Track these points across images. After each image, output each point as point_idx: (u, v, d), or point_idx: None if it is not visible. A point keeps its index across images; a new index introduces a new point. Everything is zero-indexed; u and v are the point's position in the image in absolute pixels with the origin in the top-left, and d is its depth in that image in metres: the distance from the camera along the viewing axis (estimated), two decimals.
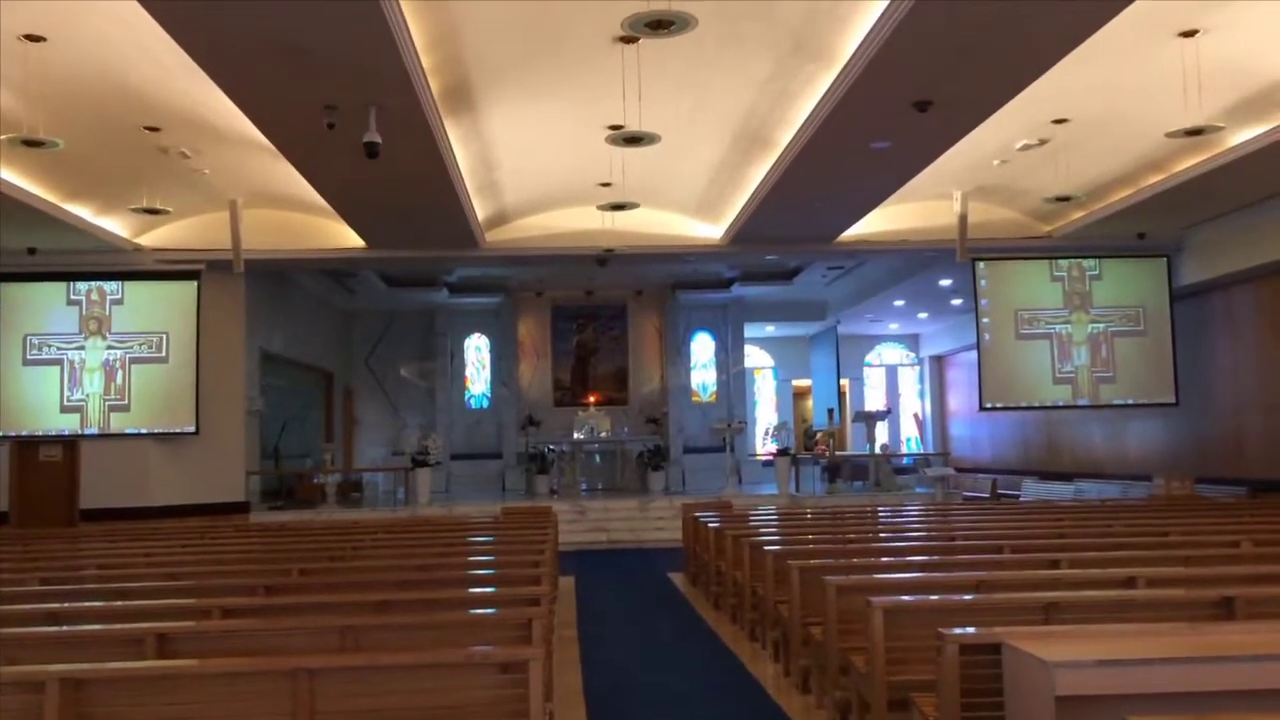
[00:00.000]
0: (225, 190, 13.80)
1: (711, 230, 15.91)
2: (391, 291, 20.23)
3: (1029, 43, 8.27)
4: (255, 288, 16.74)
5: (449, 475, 21.30)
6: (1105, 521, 9.41)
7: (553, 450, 20.15)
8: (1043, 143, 12.27)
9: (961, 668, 3.71)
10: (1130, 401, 15.73)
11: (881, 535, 9.28)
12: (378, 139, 9.22)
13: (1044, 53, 8.50)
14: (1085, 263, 15.99)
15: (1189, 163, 12.38)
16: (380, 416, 22.43)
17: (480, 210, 14.40)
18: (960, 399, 24.13)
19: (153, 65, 9.51)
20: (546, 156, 12.81)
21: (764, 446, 22.92)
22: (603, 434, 20.66)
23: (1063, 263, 15.97)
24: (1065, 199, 13.52)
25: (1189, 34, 9.18)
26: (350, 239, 15.21)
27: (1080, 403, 15.90)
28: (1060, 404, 16.01)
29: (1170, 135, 10.19)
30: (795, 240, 15.73)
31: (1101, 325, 15.87)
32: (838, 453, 20.76)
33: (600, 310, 22.15)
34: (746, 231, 14.89)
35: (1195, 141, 11.19)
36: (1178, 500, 13.16)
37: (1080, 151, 12.47)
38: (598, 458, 20.93)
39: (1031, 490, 18.39)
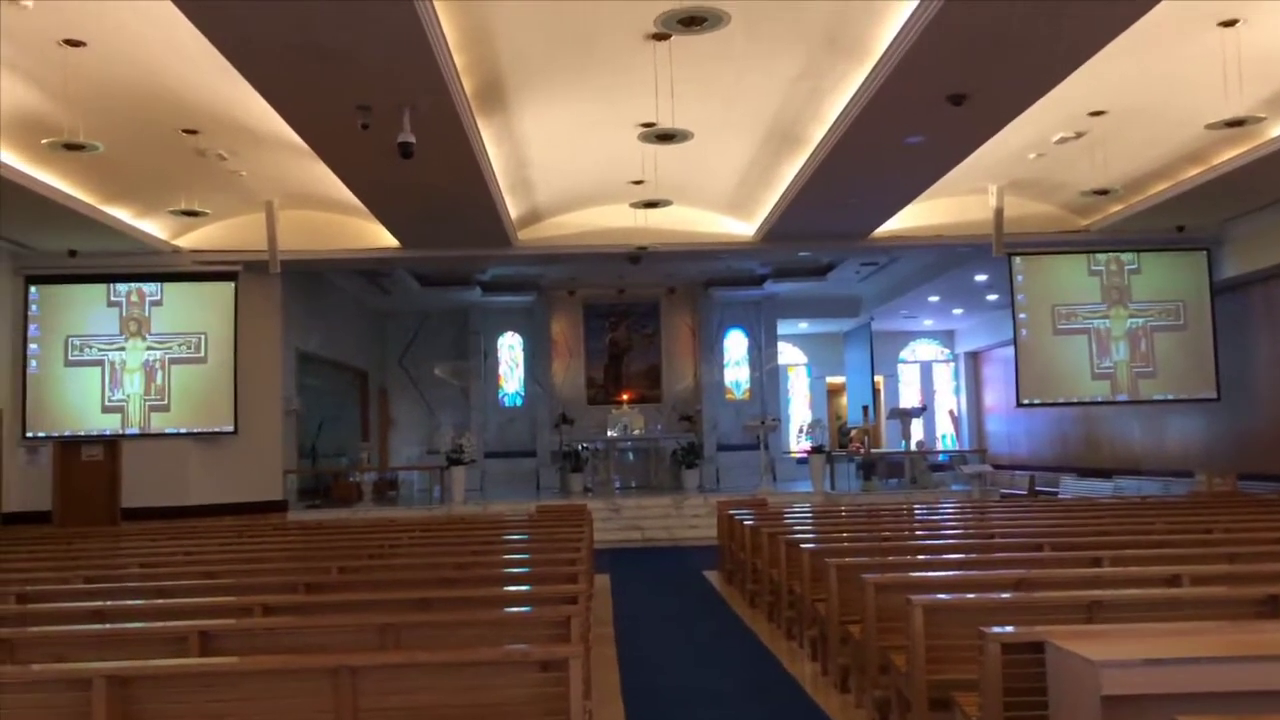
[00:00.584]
0: (261, 192, 13.87)
1: (744, 227, 15.91)
2: (425, 291, 20.34)
3: (1066, 35, 8.18)
4: (291, 288, 16.85)
5: (483, 473, 21.42)
6: (1146, 519, 9.32)
7: (586, 448, 20.23)
8: (1080, 135, 12.15)
9: (1004, 666, 3.68)
10: (1170, 397, 15.57)
11: (918, 533, 9.21)
12: (411, 139, 9.25)
13: (1081, 44, 8.40)
14: (1124, 256, 15.83)
15: (1229, 154, 12.23)
16: (415, 415, 22.56)
17: (513, 209, 14.44)
18: (996, 395, 23.98)
19: (189, 67, 9.60)
20: (578, 154, 12.84)
21: (798, 444, 22.94)
22: (636, 432, 20.74)
23: (1100, 257, 15.82)
24: (1103, 192, 13.37)
25: (1229, 24, 9.06)
26: (384, 239, 15.27)
27: (1119, 398, 15.74)
28: (1099, 400, 15.86)
29: (1210, 127, 10.06)
30: (828, 236, 15.66)
31: (1140, 320, 15.69)
32: (872, 450, 20.65)
33: (633, 308, 22.20)
34: (779, 228, 14.87)
35: (1235, 133, 11.04)
36: (1220, 497, 13.00)
37: (1118, 144, 12.34)
38: (631, 455, 21.02)
39: (1070, 487, 18.27)
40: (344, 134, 9.89)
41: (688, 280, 21.69)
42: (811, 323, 23.90)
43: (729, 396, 22.45)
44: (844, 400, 25.03)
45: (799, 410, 25.26)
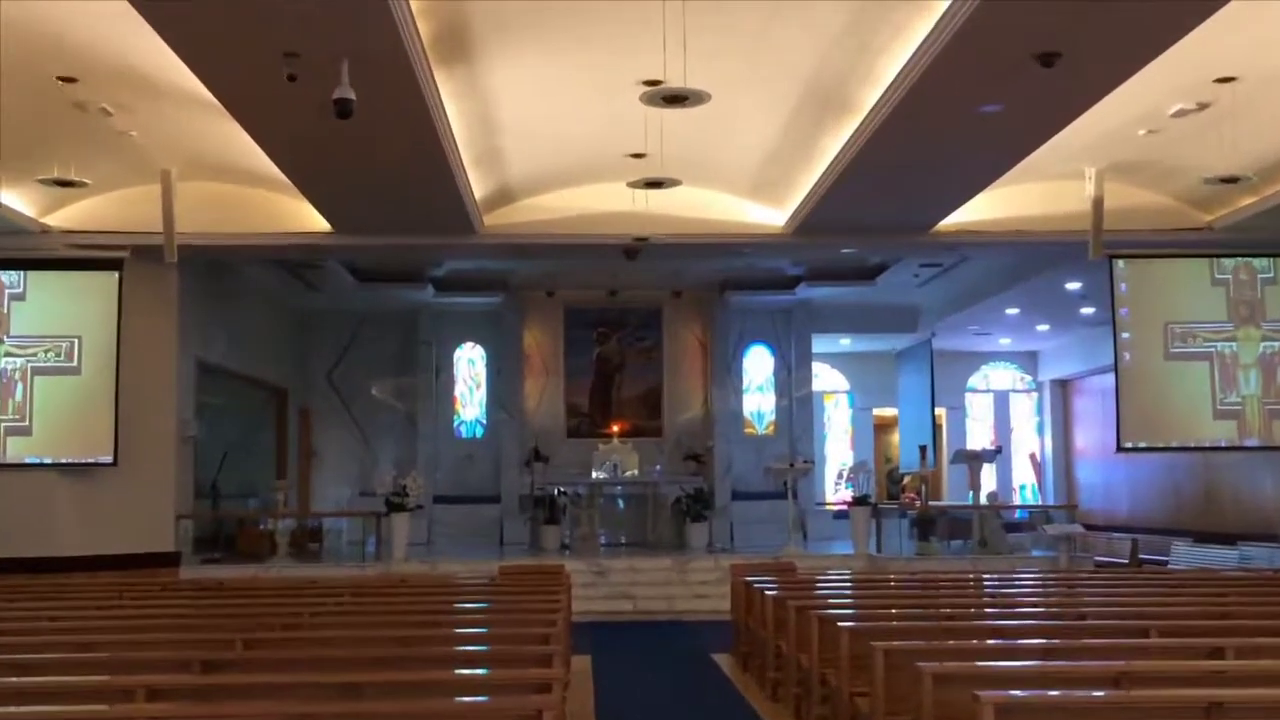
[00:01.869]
0: (157, 158, 13.84)
1: (772, 215, 15.98)
2: (363, 288, 20.37)
3: None
4: (192, 281, 16.86)
5: (432, 523, 21.42)
6: None
7: (565, 493, 20.20)
8: (1203, 107, 12.16)
9: None
10: None
11: (988, 610, 9.25)
12: (351, 95, 9.27)
13: None
14: (1256, 263, 15.87)
15: None
16: (345, 446, 22.58)
17: (477, 187, 14.49)
18: (1091, 436, 23.94)
19: None
20: (563, 119, 12.88)
21: (836, 493, 22.99)
22: (629, 473, 20.78)
23: (1227, 262, 15.86)
24: (1231, 180, 13.34)
25: None
26: (313, 221, 15.33)
27: (1248, 443, 15.75)
28: (1222, 444, 15.89)
29: None
30: (880, 229, 15.71)
31: (1277, 344, 15.76)
32: (931, 503, 20.63)
33: (628, 315, 22.24)
34: (817, 218, 14.90)
35: None
36: None
37: (1251, 119, 12.28)
38: (622, 504, 21.04)
39: (1184, 555, 18.25)
40: (265, 87, 9.91)
41: (698, 281, 21.70)
42: (856, 339, 23.87)
43: (748, 431, 22.43)
44: (895, 438, 24.98)
45: (838, 450, 25.22)
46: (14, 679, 5.65)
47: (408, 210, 14.42)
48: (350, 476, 22.31)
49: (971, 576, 12.92)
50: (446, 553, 19.11)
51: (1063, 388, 25.33)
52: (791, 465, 19.72)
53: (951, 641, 6.97)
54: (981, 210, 15.39)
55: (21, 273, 15.40)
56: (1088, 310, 20.27)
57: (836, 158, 12.96)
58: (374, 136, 11.36)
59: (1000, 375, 25.97)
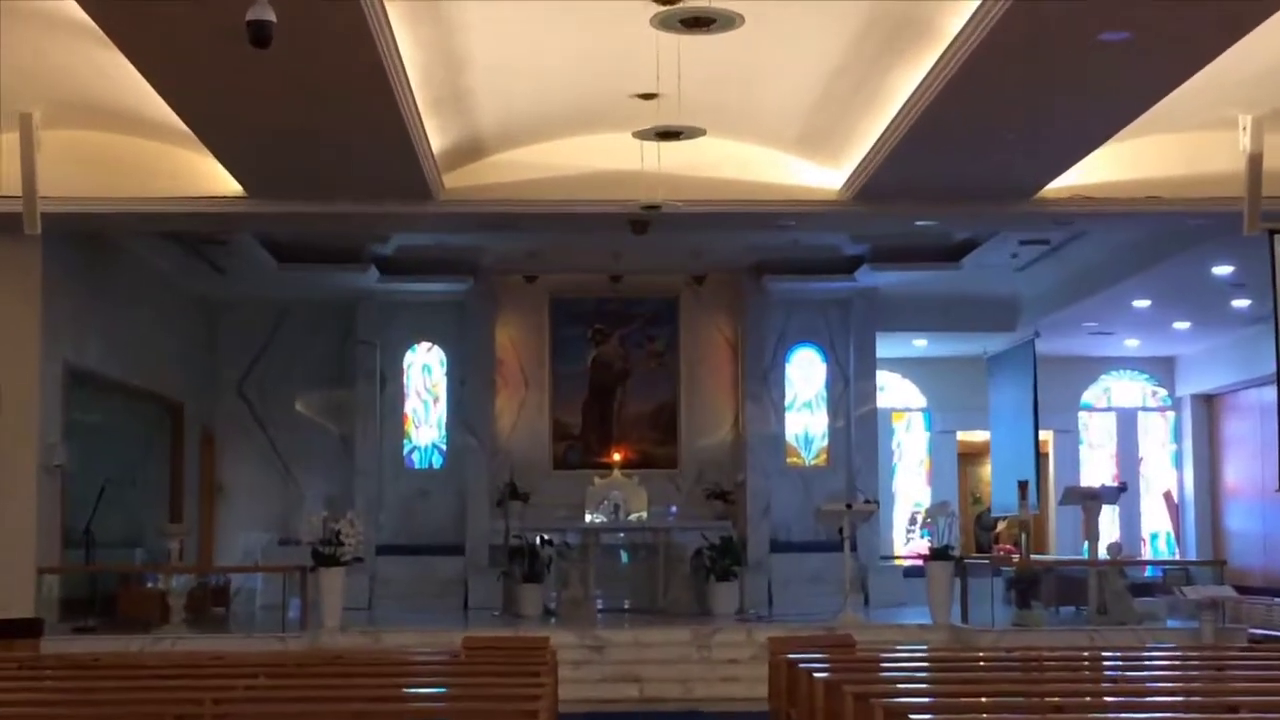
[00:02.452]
0: (13, 98, 13.50)
1: (825, 176, 16.01)
2: (285, 271, 20.45)
3: None
4: (61, 262, 16.87)
5: (374, 581, 21.42)
6: None
7: (550, 543, 20.13)
8: None
9: None
10: None
11: (1109, 700, 9.18)
12: (270, 16, 9.11)
13: None
14: None
15: None
16: (261, 479, 22.59)
17: (436, 138, 14.50)
18: (1245, 469, 23.86)
19: None
20: (548, 49, 12.90)
21: (908, 543, 23.13)
22: (634, 516, 20.88)
23: None
24: None
25: None
26: (220, 183, 15.32)
27: None
28: None
29: None
30: (966, 196, 15.80)
31: None
32: (1033, 556, 20.63)
33: (634, 308, 22.43)
34: (884, 179, 14.95)
35: None
36: None
37: None
38: (625, 556, 21.09)
39: None
40: (158, 7, 9.91)
41: (727, 263, 21.78)
42: (935, 339, 24.01)
43: (793, 460, 22.54)
44: (986, 471, 24.90)
45: (910, 486, 25.25)
46: None
47: (345, 168, 14.46)
48: (267, 518, 22.21)
49: (1087, 654, 12.88)
50: (393, 620, 19.12)
51: (1208, 405, 25.27)
52: (849, 506, 19.51)
53: None
54: (1101, 170, 15.36)
55: None
56: (1241, 303, 20.28)
57: (910, 100, 12.89)
58: (300, 71, 11.33)
59: (1125, 388, 25.98)
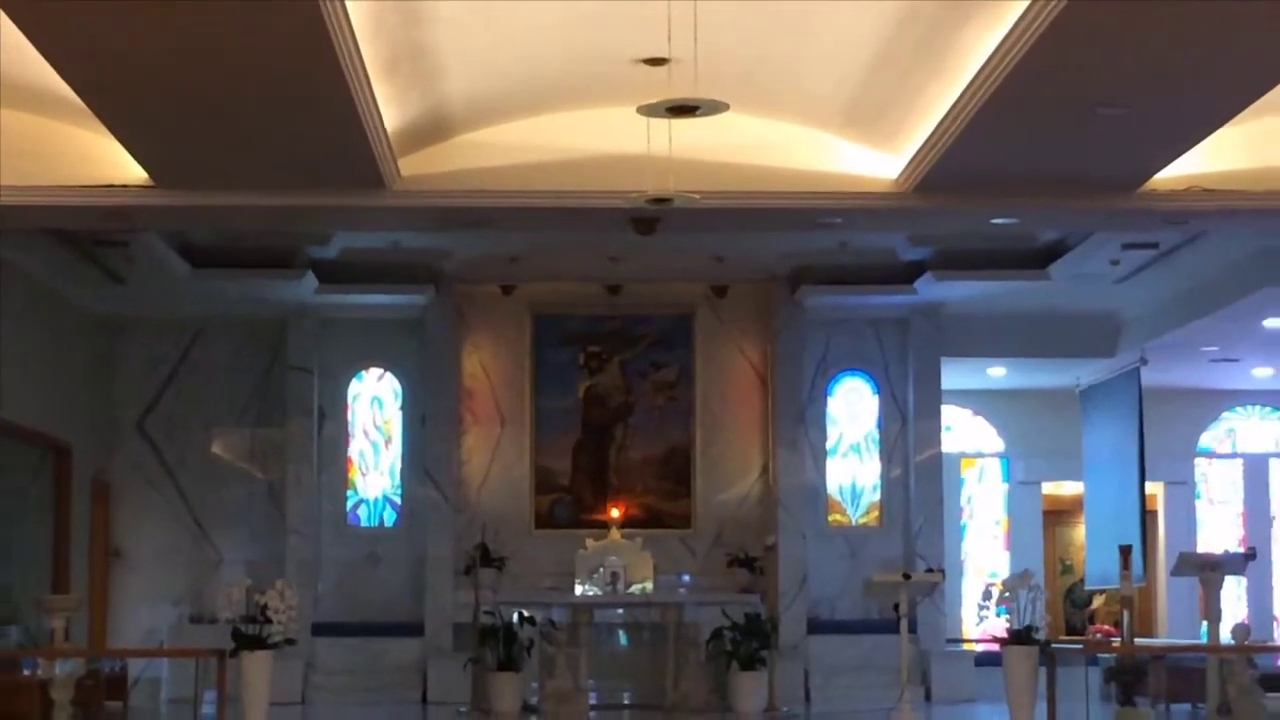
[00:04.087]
0: None
1: (878, 163, 16.12)
2: (200, 280, 20.59)
3: None
4: None
5: (310, 669, 21.48)
6: None
7: (532, 621, 20.15)
8: None
9: None
10: None
11: None
12: None
13: None
14: None
15: None
16: (168, 540, 22.65)
17: (391, 113, 14.45)
18: None
19: None
20: (532, 4, 12.89)
21: (980, 623, 22.59)
22: (638, 588, 20.89)
23: None
24: None
25: None
26: (120, 168, 15.37)
27: None
28: None
29: None
30: (1055, 187, 15.90)
31: None
32: (1138, 640, 20.67)
33: (638, 326, 22.62)
34: (953, 167, 14.98)
35: None
36: None
37: None
38: (626, 639, 21.21)
39: None
40: None
41: (755, 270, 21.98)
42: (1015, 367, 24.16)
43: (836, 519, 22.70)
44: (1079, 533, 24.94)
45: (984, 551, 25.42)
46: None
47: (274, 150, 14.57)
48: (176, 589, 22.37)
49: None
50: (336, 717, 19.40)
51: None
52: (907, 577, 19.21)
53: None
54: (1226, 156, 15.34)
55: None
56: None
57: (989, 65, 12.76)
58: (220, 29, 11.35)
59: (1254, 429, 26.02)
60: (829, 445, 22.93)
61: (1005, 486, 25.84)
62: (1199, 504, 25.72)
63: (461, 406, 22.48)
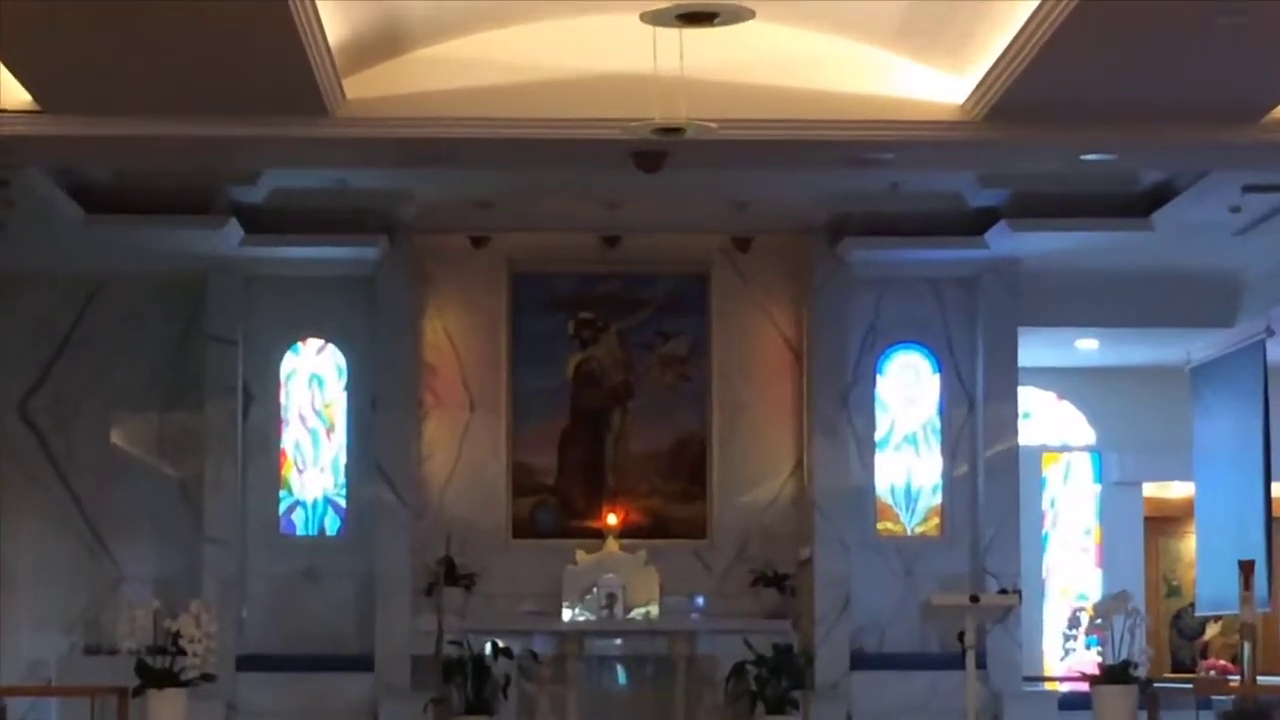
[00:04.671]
0: None
1: (940, 85, 15.86)
2: (96, 228, 19.96)
3: None
4: None
5: (232, 709, 20.96)
6: None
7: (508, 653, 20.24)
8: None
9: None
10: None
11: None
12: None
13: None
14: None
15: None
16: (56, 550, 22.05)
17: (335, 22, 14.14)
18: None
19: None
20: None
21: (1065, 656, 22.15)
22: (640, 612, 20.70)
23: None
24: None
25: None
26: (2, 90, 15.07)
27: None
28: None
29: None
30: (1159, 116, 15.52)
31: None
32: (1262, 679, 20.03)
33: (641, 286, 22.28)
34: (1032, 90, 14.57)
35: None
36: None
37: None
38: (623, 675, 21.24)
39: None
40: None
41: (786, 218, 21.50)
42: (1110, 339, 23.86)
43: (887, 527, 22.19)
44: (1189, 545, 24.75)
45: (1069, 568, 25.37)
46: None
47: (189, 68, 14.12)
48: (66, 612, 21.88)
49: None
50: None
51: None
52: (975, 599, 18.75)
53: None
54: None
55: None
56: None
57: None
58: None
59: None
60: (878, 436, 22.22)
61: (1097, 488, 25.59)
62: None
63: (421, 387, 21.93)
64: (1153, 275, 21.87)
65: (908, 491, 22.20)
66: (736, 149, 16.17)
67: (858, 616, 21.29)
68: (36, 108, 15.19)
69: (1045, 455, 25.31)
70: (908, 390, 22.33)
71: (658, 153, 15.51)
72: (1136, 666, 18.11)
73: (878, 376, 22.23)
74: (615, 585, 20.36)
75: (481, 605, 20.95)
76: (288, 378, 22.27)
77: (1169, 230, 19.95)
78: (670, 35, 13.24)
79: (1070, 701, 20.96)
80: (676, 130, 14.40)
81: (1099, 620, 18.93)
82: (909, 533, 22.22)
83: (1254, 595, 20.33)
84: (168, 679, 17.32)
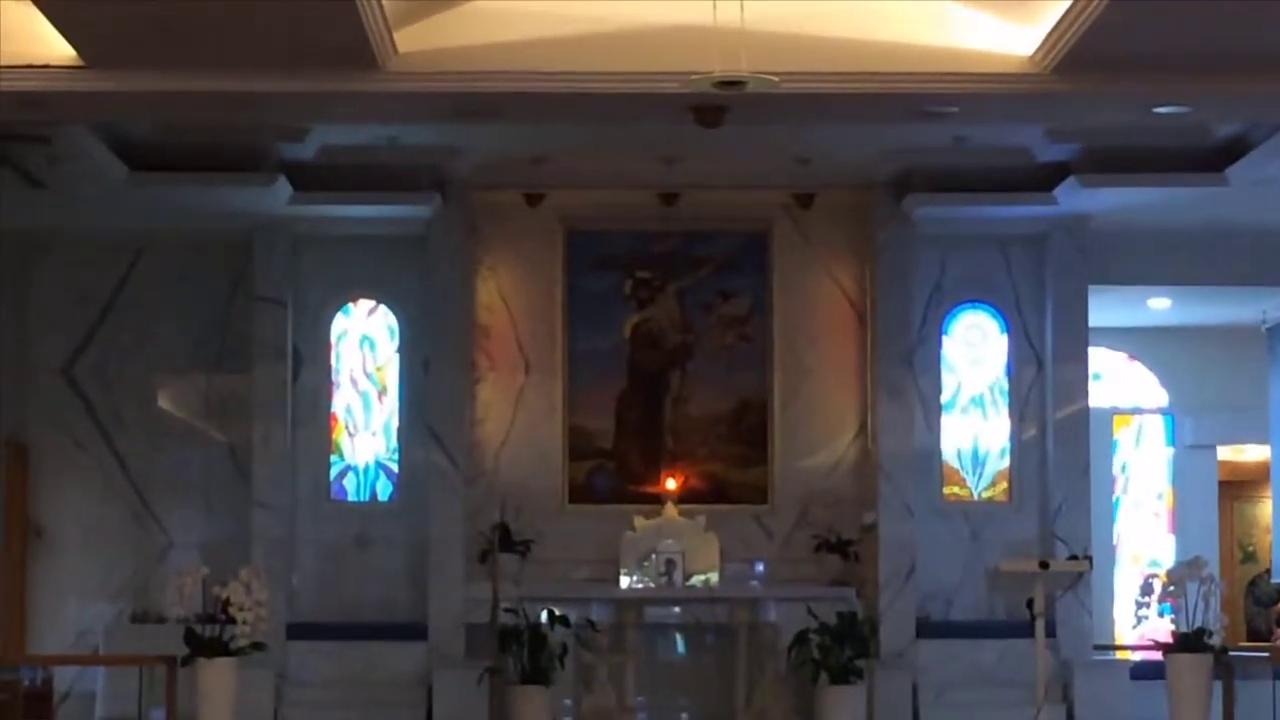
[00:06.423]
0: None
1: (1007, 35, 15.76)
2: (141, 187, 20.00)
3: None
4: None
5: (284, 680, 20.96)
6: None
7: (565, 621, 20.26)
8: None
9: None
10: None
11: None
12: None
13: None
14: None
15: None
16: (103, 517, 22.15)
17: None
18: None
19: None
20: None
21: (1137, 624, 21.90)
22: (700, 579, 20.95)
23: None
24: None
25: None
26: (43, 45, 15.01)
27: None
28: None
29: None
30: (1235, 66, 15.30)
31: None
32: None
33: (700, 245, 22.31)
34: (1104, 40, 14.36)
35: None
36: None
37: None
38: (682, 644, 21.47)
39: None
40: None
41: (849, 174, 21.56)
42: (1183, 298, 23.80)
43: (954, 492, 22.30)
44: (1266, 510, 25.11)
45: (1142, 534, 25.40)
46: None
47: (236, 20, 13.94)
48: (113, 580, 21.98)
49: None
50: None
51: None
52: (1045, 566, 18.86)
53: None
54: None
55: None
56: None
57: None
58: None
59: None
60: (944, 398, 22.27)
61: (1170, 451, 25.64)
62: None
63: (475, 348, 21.95)
64: (1227, 232, 21.86)
65: (975, 455, 22.37)
66: (798, 102, 16.17)
67: (923, 584, 21.45)
68: (79, 63, 15.20)
69: (1116, 418, 25.37)
70: (974, 351, 22.42)
71: (718, 107, 15.61)
72: (1211, 635, 18.18)
73: (943, 337, 22.33)
74: (674, 551, 20.63)
75: (537, 572, 21.04)
76: (338, 339, 22.41)
77: (1243, 185, 19.96)
78: None
79: (1142, 671, 21.01)
80: (738, 84, 14.38)
81: (1172, 587, 18.92)
82: (976, 497, 22.36)
83: None
84: (217, 648, 17.47)
